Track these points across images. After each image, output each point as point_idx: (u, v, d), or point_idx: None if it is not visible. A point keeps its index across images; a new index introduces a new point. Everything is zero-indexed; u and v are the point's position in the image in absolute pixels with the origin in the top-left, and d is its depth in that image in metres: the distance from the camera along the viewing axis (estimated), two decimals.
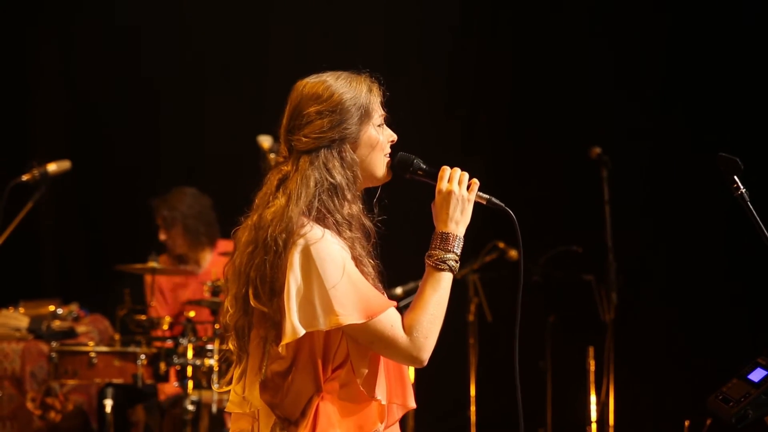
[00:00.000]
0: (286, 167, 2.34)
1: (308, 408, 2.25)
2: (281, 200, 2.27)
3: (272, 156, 5.14)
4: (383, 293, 2.35)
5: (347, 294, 2.20)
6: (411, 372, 5.68)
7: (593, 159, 5.63)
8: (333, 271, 2.20)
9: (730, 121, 5.93)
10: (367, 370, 2.27)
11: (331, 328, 2.20)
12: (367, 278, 2.29)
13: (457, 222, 2.33)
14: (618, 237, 5.57)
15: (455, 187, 2.34)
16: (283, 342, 2.21)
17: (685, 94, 6.08)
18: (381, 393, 2.29)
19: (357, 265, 2.27)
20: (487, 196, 2.40)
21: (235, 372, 2.37)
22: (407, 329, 2.25)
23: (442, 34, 6.52)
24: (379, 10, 6.50)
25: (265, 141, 5.22)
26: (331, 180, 2.28)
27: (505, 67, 6.45)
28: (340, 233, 2.28)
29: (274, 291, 2.23)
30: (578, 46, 6.33)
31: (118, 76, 6.57)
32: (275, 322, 2.23)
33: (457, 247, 2.32)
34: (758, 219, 2.80)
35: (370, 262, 2.34)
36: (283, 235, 2.22)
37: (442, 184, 2.35)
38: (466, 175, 2.36)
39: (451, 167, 2.39)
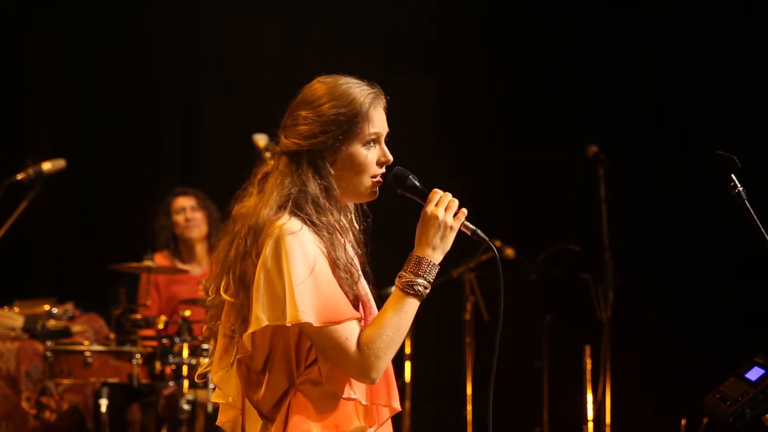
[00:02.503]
0: (272, 161, 2.36)
1: (282, 403, 2.26)
2: (255, 198, 2.30)
3: (268, 155, 5.14)
4: (368, 298, 2.34)
5: (310, 294, 2.17)
6: (407, 371, 5.70)
7: (590, 157, 5.63)
8: (301, 268, 2.18)
9: (727, 119, 5.93)
10: (327, 370, 2.24)
11: (292, 324, 2.18)
12: (342, 284, 2.25)
13: (435, 248, 2.28)
14: (614, 236, 5.56)
15: (440, 212, 2.28)
16: (248, 331, 2.22)
17: (682, 92, 6.08)
18: (359, 393, 2.27)
19: (332, 268, 2.25)
20: (472, 227, 2.33)
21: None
22: (361, 345, 2.20)
23: (441, 30, 6.51)
24: (378, 11, 6.50)
25: (261, 140, 5.22)
26: (303, 187, 2.28)
27: (503, 65, 6.45)
28: (318, 233, 2.26)
29: (243, 284, 2.25)
30: (575, 43, 6.33)
31: (116, 75, 6.55)
32: (243, 315, 2.25)
33: (429, 273, 2.26)
34: (755, 217, 2.79)
35: (350, 268, 2.29)
36: (252, 233, 2.24)
37: (429, 207, 2.29)
38: (456, 203, 2.30)
39: (445, 191, 2.34)
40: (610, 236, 5.53)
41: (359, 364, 2.20)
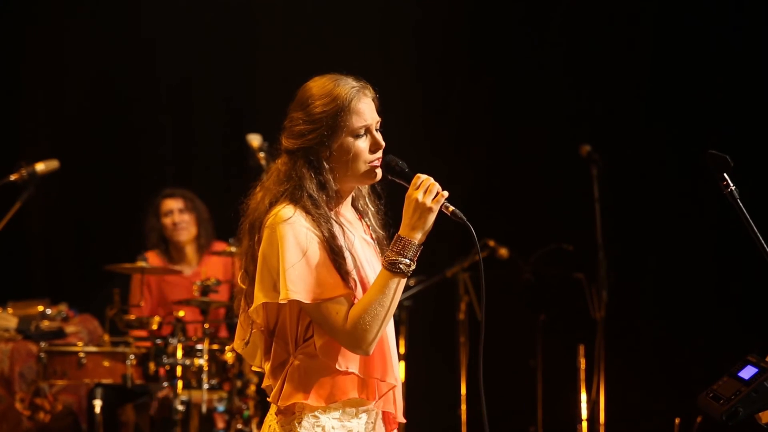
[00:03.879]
0: (278, 160, 2.55)
1: (281, 371, 2.47)
2: (258, 194, 2.51)
3: (261, 154, 5.14)
4: (368, 281, 2.46)
5: (302, 274, 2.37)
6: (402, 370, 5.70)
7: (584, 157, 5.64)
8: (294, 251, 2.38)
9: (720, 118, 5.94)
10: (323, 343, 2.42)
11: (283, 301, 2.38)
12: (338, 267, 2.41)
13: (415, 228, 2.41)
14: (608, 235, 5.57)
15: (420, 195, 2.42)
16: (251, 308, 2.45)
17: (675, 92, 6.09)
18: (353, 366, 2.43)
19: (329, 254, 2.42)
20: (452, 208, 2.46)
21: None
22: (349, 320, 2.38)
23: (435, 30, 6.52)
24: (372, 8, 6.50)
25: (255, 140, 5.22)
26: (299, 183, 2.46)
27: (497, 64, 6.45)
28: (315, 223, 2.43)
29: (248, 275, 2.49)
30: (568, 43, 6.33)
31: (111, 75, 6.55)
32: (251, 297, 2.47)
33: (411, 252, 2.41)
34: (748, 216, 2.80)
35: (346, 254, 2.44)
36: (253, 227, 2.47)
37: (411, 191, 2.44)
38: (436, 186, 2.44)
39: (429, 175, 2.47)
40: (604, 235, 5.53)
41: (349, 337, 2.38)
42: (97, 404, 4.99)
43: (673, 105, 6.08)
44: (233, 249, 5.15)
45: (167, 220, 5.59)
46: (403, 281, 2.42)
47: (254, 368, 2.62)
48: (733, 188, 2.82)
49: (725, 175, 2.82)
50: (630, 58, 6.20)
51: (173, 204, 5.60)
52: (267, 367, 2.51)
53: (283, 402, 2.43)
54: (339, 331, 2.38)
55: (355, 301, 2.41)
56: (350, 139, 2.47)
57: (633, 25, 6.22)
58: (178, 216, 5.58)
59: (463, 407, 5.69)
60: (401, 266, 2.39)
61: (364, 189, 2.64)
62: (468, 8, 6.52)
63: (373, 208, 2.66)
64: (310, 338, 2.44)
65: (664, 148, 6.04)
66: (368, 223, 2.64)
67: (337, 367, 2.41)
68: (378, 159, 2.51)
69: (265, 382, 2.58)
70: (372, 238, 2.61)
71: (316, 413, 2.43)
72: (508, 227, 5.90)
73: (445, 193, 2.44)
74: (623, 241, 5.93)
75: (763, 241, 2.79)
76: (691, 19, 6.07)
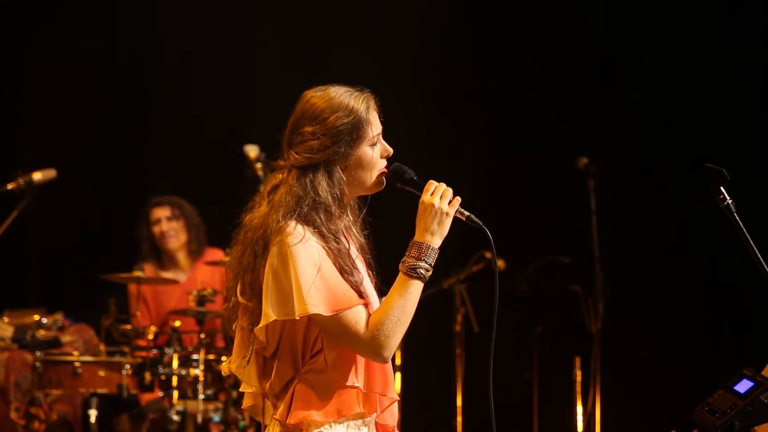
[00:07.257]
0: (281, 175, 2.51)
1: (287, 389, 2.45)
2: (264, 208, 2.45)
3: (259, 165, 5.14)
4: (367, 294, 2.46)
5: (319, 289, 2.35)
6: (398, 382, 5.70)
7: (581, 169, 5.64)
8: (308, 269, 2.35)
9: (717, 132, 5.95)
10: (334, 358, 2.41)
11: (301, 316, 2.35)
12: (349, 283, 2.40)
13: (433, 233, 2.44)
14: (605, 247, 5.57)
15: (436, 200, 2.45)
16: (260, 326, 2.40)
17: (672, 105, 6.10)
18: (360, 381, 2.44)
19: (339, 272, 2.40)
20: (467, 213, 2.49)
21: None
22: (371, 327, 2.38)
23: (432, 44, 6.53)
24: (372, 13, 6.50)
25: (252, 150, 5.22)
26: (316, 197, 2.43)
27: (494, 77, 6.46)
28: (325, 242, 2.41)
29: (253, 291, 2.43)
30: (567, 53, 6.34)
31: (108, 84, 6.55)
32: (256, 316, 2.43)
33: (430, 256, 2.43)
34: (744, 230, 2.80)
35: (358, 272, 2.45)
36: (260, 242, 2.41)
37: (425, 197, 2.46)
38: (450, 191, 2.47)
39: (439, 182, 2.49)
40: (601, 248, 5.54)
41: (371, 345, 2.38)
42: (93, 414, 4.98)
43: (671, 118, 6.09)
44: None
45: (156, 229, 5.61)
46: (421, 286, 2.42)
47: (243, 388, 2.56)
48: (730, 202, 2.83)
49: (722, 188, 2.83)
50: (628, 70, 6.21)
51: (161, 212, 5.61)
52: (266, 386, 2.48)
53: (293, 419, 2.41)
54: (360, 339, 2.37)
55: (369, 310, 2.42)
56: (368, 149, 2.48)
57: (632, 38, 6.23)
58: (166, 224, 5.59)
59: (459, 419, 5.69)
60: (421, 270, 2.41)
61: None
62: (467, 19, 6.53)
63: (351, 217, 2.62)
64: (317, 354, 2.42)
65: (662, 160, 6.04)
66: (352, 232, 2.62)
67: (348, 383, 2.41)
68: (385, 166, 2.52)
69: (249, 402, 2.55)
70: (357, 248, 2.59)
71: (323, 429, 2.41)
72: (504, 239, 5.89)
73: (459, 198, 2.46)
74: (620, 254, 5.93)
75: (759, 255, 2.79)
76: (689, 32, 6.08)
